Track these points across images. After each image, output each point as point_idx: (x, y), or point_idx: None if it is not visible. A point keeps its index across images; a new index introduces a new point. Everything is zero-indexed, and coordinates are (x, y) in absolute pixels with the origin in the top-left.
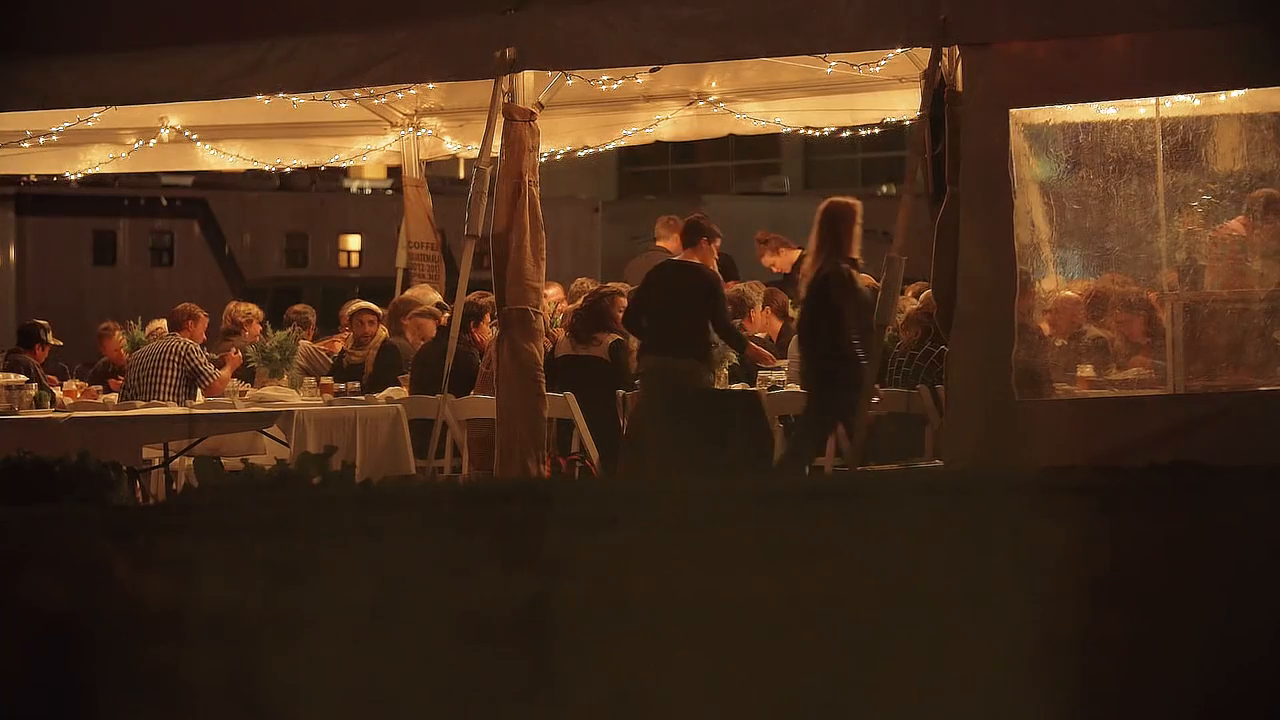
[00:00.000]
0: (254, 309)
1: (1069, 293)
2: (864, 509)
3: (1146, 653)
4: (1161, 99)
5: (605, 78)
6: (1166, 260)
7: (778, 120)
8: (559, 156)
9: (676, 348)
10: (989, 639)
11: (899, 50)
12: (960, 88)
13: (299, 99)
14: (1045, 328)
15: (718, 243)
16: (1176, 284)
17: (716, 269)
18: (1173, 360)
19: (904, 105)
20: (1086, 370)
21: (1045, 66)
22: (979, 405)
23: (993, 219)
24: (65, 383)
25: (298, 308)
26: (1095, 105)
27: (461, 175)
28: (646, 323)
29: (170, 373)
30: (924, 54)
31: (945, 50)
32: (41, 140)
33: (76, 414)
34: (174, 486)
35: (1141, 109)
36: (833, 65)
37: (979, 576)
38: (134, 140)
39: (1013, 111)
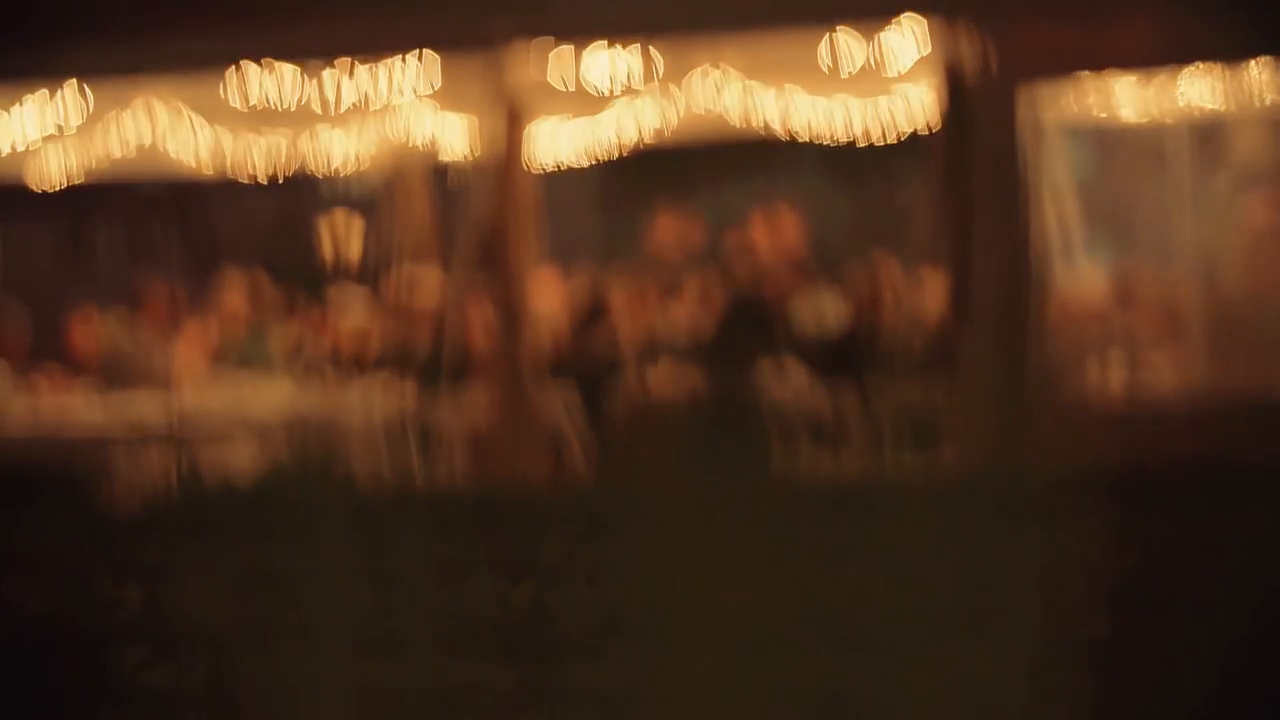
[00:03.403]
0: (235, 296)
1: (1089, 289)
2: (877, 512)
3: (1168, 653)
4: (1184, 95)
5: (605, 85)
6: (1190, 259)
7: (779, 121)
8: (559, 154)
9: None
10: (1006, 642)
11: (908, 45)
12: (970, 65)
13: (277, 96)
14: (1064, 325)
15: None
16: (1200, 281)
17: None
18: (1195, 358)
19: (914, 99)
20: (1106, 367)
21: (1058, 40)
22: (993, 401)
23: (1006, 208)
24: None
25: (289, 299)
26: (1119, 105)
27: (459, 171)
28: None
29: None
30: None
31: (954, 26)
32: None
33: (52, 411)
34: (160, 486)
35: (1164, 109)
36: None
37: (994, 580)
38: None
39: (1032, 109)
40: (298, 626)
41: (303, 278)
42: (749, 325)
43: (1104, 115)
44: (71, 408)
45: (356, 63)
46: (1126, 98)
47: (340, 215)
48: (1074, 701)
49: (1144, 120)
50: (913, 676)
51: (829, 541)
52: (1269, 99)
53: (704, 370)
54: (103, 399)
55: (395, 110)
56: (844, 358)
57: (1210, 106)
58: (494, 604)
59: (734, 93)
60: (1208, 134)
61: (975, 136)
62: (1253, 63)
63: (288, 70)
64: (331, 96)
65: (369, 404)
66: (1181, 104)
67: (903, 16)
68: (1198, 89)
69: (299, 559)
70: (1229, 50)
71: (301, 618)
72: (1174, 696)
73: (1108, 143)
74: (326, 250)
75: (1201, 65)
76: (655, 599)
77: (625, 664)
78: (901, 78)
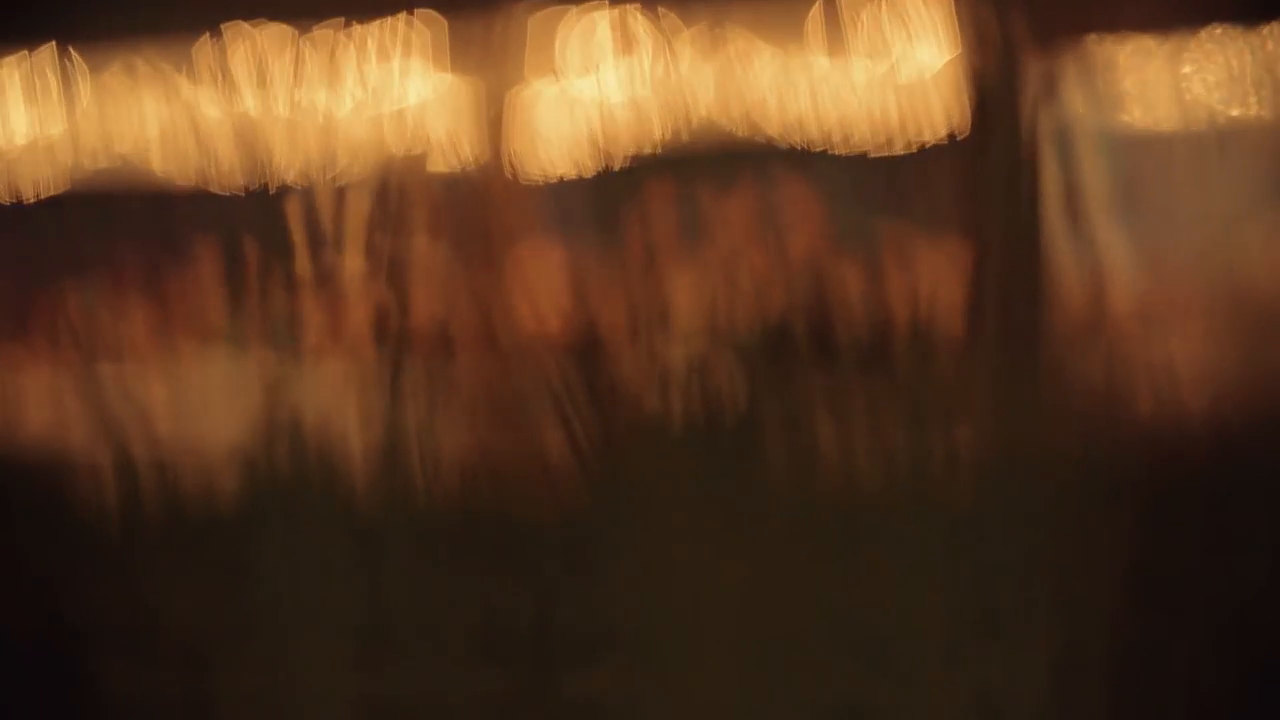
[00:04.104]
0: (216, 274)
1: (1110, 279)
2: (887, 512)
3: (1187, 657)
4: (1221, 107)
5: (607, 49)
6: (1217, 249)
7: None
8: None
9: None
10: (1024, 647)
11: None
12: (990, 36)
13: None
14: (1082, 316)
15: None
16: (1227, 273)
17: None
18: (1219, 350)
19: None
20: (1126, 361)
21: (1083, 11)
22: (1006, 399)
23: (1016, 184)
24: None
25: (275, 277)
26: (1156, 116)
27: (454, 144)
28: None
29: None
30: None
31: None
32: None
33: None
34: (140, 476)
35: (1199, 119)
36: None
37: (1010, 582)
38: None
39: (1053, 88)
40: (284, 631)
41: (289, 256)
42: (760, 311)
43: (1128, 103)
44: (43, 391)
45: (348, 24)
46: (1151, 82)
47: (330, 190)
48: (1096, 709)
49: (1172, 107)
50: (927, 684)
51: (838, 544)
52: None
53: (710, 364)
54: (77, 381)
55: (388, 78)
56: (857, 347)
57: (1240, 95)
58: (491, 613)
59: (738, 59)
60: (1237, 123)
61: (993, 116)
62: (1267, 29)
63: (278, 32)
64: (323, 61)
65: (356, 393)
66: (1211, 88)
67: None
68: (1226, 73)
69: (283, 558)
70: (1255, 13)
71: (289, 622)
72: (1201, 703)
73: (1132, 130)
74: (316, 229)
75: (1227, 33)
76: (658, 606)
77: (627, 675)
78: (916, 43)
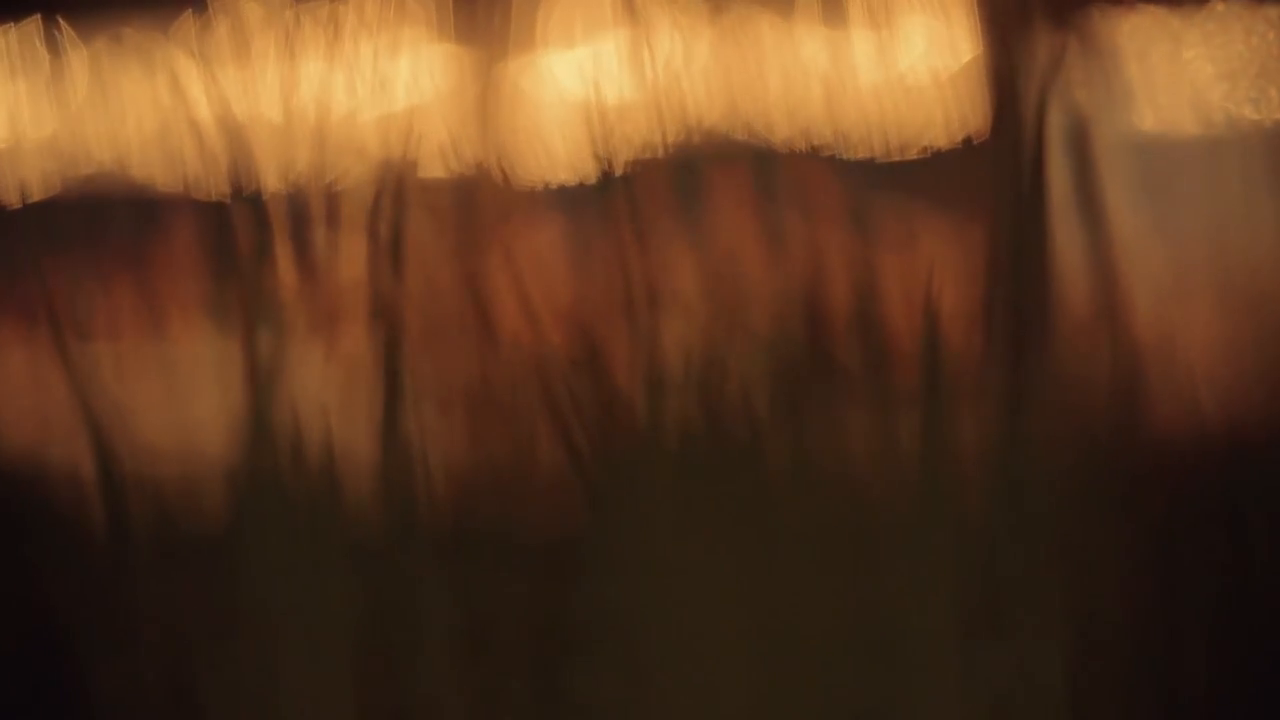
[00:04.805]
0: (195, 243)
1: (1130, 287)
2: (892, 510)
3: (1201, 658)
4: (1239, 100)
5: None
6: (1243, 264)
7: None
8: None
9: None
10: (1033, 648)
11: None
12: (1002, 29)
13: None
14: (1093, 313)
15: None
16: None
17: None
18: (1232, 356)
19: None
20: (1140, 359)
21: None
22: (1015, 387)
23: (1030, 183)
24: None
25: (266, 249)
26: (1175, 108)
27: (447, 115)
28: None
29: None
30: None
31: None
32: None
33: None
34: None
35: (1227, 126)
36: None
37: (1019, 580)
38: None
39: (1079, 106)
40: (275, 637)
41: (281, 251)
42: (765, 313)
43: (1145, 96)
44: (26, 391)
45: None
46: (1168, 73)
47: (325, 183)
48: (1111, 711)
49: (1190, 98)
50: (936, 687)
51: (844, 547)
52: None
53: (712, 366)
54: (55, 359)
55: (384, 57)
56: (864, 350)
57: (1261, 86)
58: (489, 617)
59: (741, 50)
60: (1257, 115)
61: (1008, 113)
62: None
63: (272, 3)
64: (316, 38)
65: (348, 398)
66: (1225, 78)
67: None
68: (1241, 62)
69: (272, 564)
70: None
71: (279, 629)
72: (1214, 704)
73: (1147, 124)
74: (309, 223)
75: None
76: (660, 612)
77: (629, 682)
78: (933, 39)
